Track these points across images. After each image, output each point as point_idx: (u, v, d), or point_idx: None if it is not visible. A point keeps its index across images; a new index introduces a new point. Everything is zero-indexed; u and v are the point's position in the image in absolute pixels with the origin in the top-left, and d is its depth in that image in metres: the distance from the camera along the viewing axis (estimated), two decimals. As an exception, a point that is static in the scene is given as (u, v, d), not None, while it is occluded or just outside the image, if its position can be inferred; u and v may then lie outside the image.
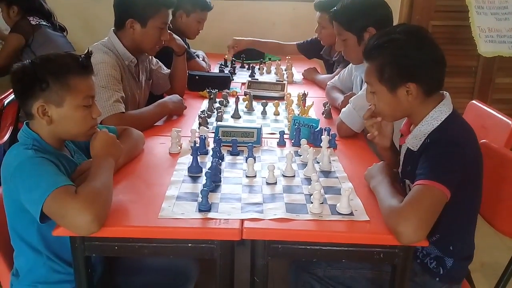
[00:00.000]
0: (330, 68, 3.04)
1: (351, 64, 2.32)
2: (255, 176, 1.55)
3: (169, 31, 2.20)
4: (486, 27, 2.97)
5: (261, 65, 3.20)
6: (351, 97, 2.03)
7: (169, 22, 2.98)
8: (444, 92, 1.46)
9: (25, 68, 1.32)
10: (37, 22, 2.82)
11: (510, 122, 2.04)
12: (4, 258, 1.44)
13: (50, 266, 1.38)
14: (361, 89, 2.19)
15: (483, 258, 2.29)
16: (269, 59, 3.44)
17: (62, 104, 1.32)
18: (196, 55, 3.08)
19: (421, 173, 1.30)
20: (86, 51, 1.43)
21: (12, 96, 2.37)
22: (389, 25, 2.01)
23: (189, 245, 1.27)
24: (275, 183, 1.50)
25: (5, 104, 2.37)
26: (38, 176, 1.23)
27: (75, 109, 1.34)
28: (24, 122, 1.38)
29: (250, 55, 3.35)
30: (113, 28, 2.09)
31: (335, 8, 2.08)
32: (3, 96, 2.39)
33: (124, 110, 1.92)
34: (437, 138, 1.37)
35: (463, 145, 1.35)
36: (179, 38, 2.40)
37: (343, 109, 1.99)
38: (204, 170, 1.56)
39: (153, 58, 2.37)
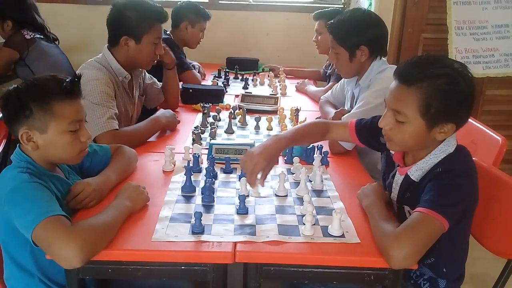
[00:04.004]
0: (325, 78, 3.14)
1: (343, 78, 2.34)
2: (248, 196, 1.56)
3: (163, 45, 2.20)
4: (463, 48, 3.06)
5: (255, 76, 3.22)
6: (342, 114, 2.04)
7: (171, 34, 3.01)
8: None
9: (9, 95, 1.33)
10: (32, 36, 2.82)
11: (499, 138, 2.05)
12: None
13: None
14: (351, 103, 2.21)
15: (473, 269, 2.31)
16: (263, 69, 3.46)
17: (46, 131, 1.32)
18: (192, 65, 3.10)
19: (425, 200, 1.29)
20: (74, 74, 1.41)
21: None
22: (384, 45, 2.04)
23: (182, 267, 1.28)
24: (268, 203, 1.52)
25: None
26: (32, 202, 1.23)
27: (61, 135, 1.33)
28: (17, 145, 1.39)
29: (244, 66, 3.37)
30: (107, 44, 2.10)
31: (332, 21, 2.10)
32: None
33: (117, 127, 1.93)
34: (449, 168, 1.34)
35: (474, 177, 1.35)
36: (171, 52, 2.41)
37: (335, 127, 2.00)
38: (197, 189, 1.57)
39: (146, 73, 2.38)
